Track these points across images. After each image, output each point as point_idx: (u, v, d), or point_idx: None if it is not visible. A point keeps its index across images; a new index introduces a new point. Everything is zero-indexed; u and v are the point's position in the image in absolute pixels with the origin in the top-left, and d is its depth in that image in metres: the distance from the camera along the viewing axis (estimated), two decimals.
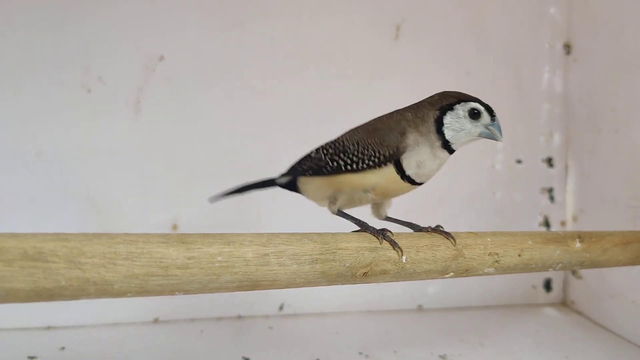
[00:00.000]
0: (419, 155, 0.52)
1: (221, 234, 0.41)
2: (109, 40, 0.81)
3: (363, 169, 0.53)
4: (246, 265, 0.41)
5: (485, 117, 0.53)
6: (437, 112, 0.54)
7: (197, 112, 0.86)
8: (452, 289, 0.99)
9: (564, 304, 1.03)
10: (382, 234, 0.50)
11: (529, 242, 0.59)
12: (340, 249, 0.46)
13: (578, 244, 0.63)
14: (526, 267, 0.59)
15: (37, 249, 0.34)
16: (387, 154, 0.52)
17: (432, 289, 0.99)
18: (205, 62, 0.86)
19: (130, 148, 0.83)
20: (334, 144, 0.58)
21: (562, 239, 0.63)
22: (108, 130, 0.82)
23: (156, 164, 0.84)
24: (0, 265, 0.32)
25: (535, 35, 1.01)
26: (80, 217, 0.82)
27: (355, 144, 0.54)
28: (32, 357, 0.71)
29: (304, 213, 0.92)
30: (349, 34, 0.92)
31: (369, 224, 0.53)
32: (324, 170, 0.56)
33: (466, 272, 0.55)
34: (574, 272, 1.00)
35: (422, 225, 0.58)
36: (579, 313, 0.97)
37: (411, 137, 0.52)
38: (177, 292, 0.39)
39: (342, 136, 0.58)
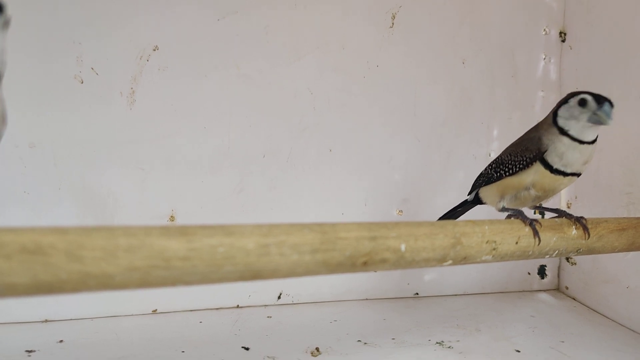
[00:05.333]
0: (556, 150, 0.63)
1: (221, 225, 0.41)
2: (102, 30, 0.80)
3: (518, 172, 0.66)
4: (247, 256, 0.41)
5: (592, 104, 0.61)
6: (555, 108, 0.65)
7: (191, 102, 0.85)
8: (448, 276, 1.00)
9: (558, 289, 1.04)
10: (530, 221, 0.61)
11: (526, 230, 0.60)
12: (340, 238, 0.46)
13: (574, 231, 0.64)
14: (523, 255, 0.60)
15: (35, 242, 0.33)
16: (532, 155, 0.64)
17: (429, 277, 1.00)
18: (200, 51, 0.85)
19: (125, 139, 0.82)
20: (495, 160, 0.72)
21: (559, 225, 0.63)
22: (102, 121, 0.81)
23: (152, 155, 0.84)
24: None
25: (530, 23, 1.01)
26: (76, 209, 0.81)
27: (509, 155, 0.68)
28: (30, 351, 0.70)
29: (300, 204, 0.93)
30: (344, 22, 0.91)
31: (524, 214, 0.63)
32: (492, 180, 0.71)
33: (464, 260, 0.55)
34: (568, 259, 1.01)
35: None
36: (573, 298, 0.98)
37: (545, 139, 0.64)
38: (178, 284, 0.39)
39: (500, 153, 0.72)
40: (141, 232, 0.37)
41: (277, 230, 0.43)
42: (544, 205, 0.73)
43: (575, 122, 0.62)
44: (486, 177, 0.73)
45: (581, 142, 0.62)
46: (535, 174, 0.65)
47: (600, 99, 0.61)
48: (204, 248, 0.39)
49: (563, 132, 0.63)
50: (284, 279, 0.44)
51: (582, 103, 0.62)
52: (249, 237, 0.41)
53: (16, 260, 0.32)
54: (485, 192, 0.74)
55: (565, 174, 0.64)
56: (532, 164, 0.65)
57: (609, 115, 0.60)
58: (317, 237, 0.45)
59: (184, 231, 0.39)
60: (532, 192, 0.67)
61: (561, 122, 0.63)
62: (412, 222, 0.52)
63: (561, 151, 0.62)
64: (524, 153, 0.66)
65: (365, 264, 0.48)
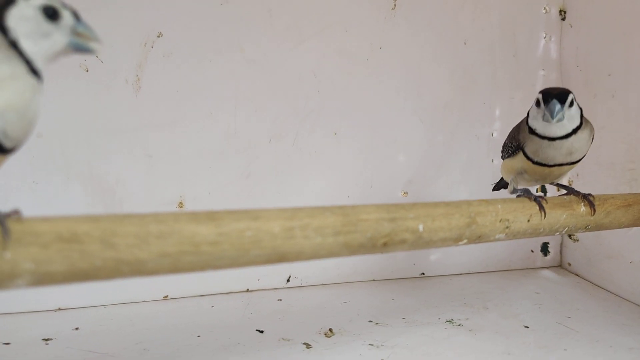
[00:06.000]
0: (529, 147, 0.64)
1: (247, 210, 0.41)
2: (105, 17, 0.78)
3: (509, 157, 0.69)
4: (273, 239, 0.41)
5: (541, 103, 0.61)
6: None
7: (197, 87, 0.85)
8: (453, 256, 1.02)
9: (561, 266, 1.06)
10: (534, 197, 0.62)
11: (537, 208, 0.61)
12: (361, 220, 0.46)
13: (583, 208, 0.65)
14: (535, 232, 0.61)
15: (71, 231, 0.34)
16: (515, 145, 0.67)
17: (434, 257, 1.01)
18: (204, 36, 0.84)
19: (132, 126, 0.82)
20: (506, 141, 0.73)
21: (568, 203, 0.65)
22: (108, 109, 0.80)
23: (159, 141, 0.84)
24: (37, 249, 0.32)
25: (531, 2, 1.00)
26: (85, 197, 0.81)
27: (508, 139, 0.71)
28: (47, 339, 0.71)
29: (307, 187, 0.93)
30: (347, 4, 0.91)
31: (530, 191, 0.65)
32: (501, 158, 0.74)
33: (479, 239, 0.56)
34: (570, 235, 1.03)
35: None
36: (576, 275, 1.00)
37: (520, 136, 0.65)
38: (208, 269, 0.39)
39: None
40: (170, 219, 0.38)
41: (301, 214, 0.43)
42: (559, 183, 0.73)
43: (537, 122, 0.62)
44: (501, 154, 0.75)
45: (552, 139, 0.61)
46: (522, 162, 0.66)
47: (547, 98, 0.60)
48: (232, 232, 0.39)
49: (532, 130, 0.62)
50: (308, 261, 0.45)
51: (537, 103, 0.61)
52: (274, 220, 0.42)
53: (53, 249, 0.33)
54: (501, 171, 0.76)
55: (548, 166, 0.64)
56: (517, 153, 0.66)
57: (552, 114, 0.59)
58: (339, 220, 0.45)
59: (212, 216, 0.39)
60: (526, 176, 0.68)
61: (530, 121, 0.63)
62: (429, 203, 0.53)
63: (534, 149, 0.63)
64: (512, 141, 0.67)
65: (385, 244, 0.48)
